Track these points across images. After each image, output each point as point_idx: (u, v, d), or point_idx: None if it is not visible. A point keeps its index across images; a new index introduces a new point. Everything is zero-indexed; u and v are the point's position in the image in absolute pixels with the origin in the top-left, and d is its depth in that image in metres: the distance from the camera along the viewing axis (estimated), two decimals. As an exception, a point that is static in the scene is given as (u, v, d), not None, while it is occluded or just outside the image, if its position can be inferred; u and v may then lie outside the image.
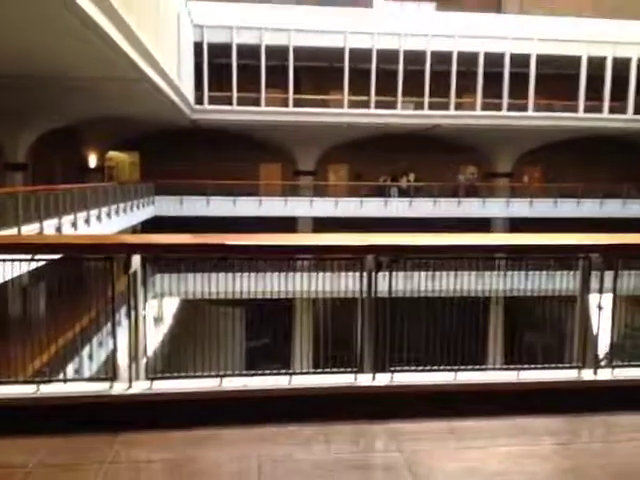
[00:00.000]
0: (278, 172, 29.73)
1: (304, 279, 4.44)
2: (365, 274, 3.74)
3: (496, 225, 28.62)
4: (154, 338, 4.31)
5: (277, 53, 25.33)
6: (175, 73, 19.16)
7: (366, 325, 3.78)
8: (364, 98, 25.92)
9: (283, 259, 4.43)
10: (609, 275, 3.90)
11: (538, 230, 5.71)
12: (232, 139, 27.28)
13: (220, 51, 24.83)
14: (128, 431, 3.30)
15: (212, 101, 25.07)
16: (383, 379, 3.73)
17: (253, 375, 3.78)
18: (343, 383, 3.71)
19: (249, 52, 25.08)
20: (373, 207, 27.17)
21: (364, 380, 3.71)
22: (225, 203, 26.02)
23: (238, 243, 3.77)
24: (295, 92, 25.96)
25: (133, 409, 3.50)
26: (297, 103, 25.89)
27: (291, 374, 3.68)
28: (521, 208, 27.66)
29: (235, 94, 25.06)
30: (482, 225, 26.77)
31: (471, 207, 27.76)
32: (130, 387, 3.53)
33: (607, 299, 3.97)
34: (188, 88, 22.93)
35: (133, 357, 3.55)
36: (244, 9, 24.79)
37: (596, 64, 26.29)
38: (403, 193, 28.31)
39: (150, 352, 3.70)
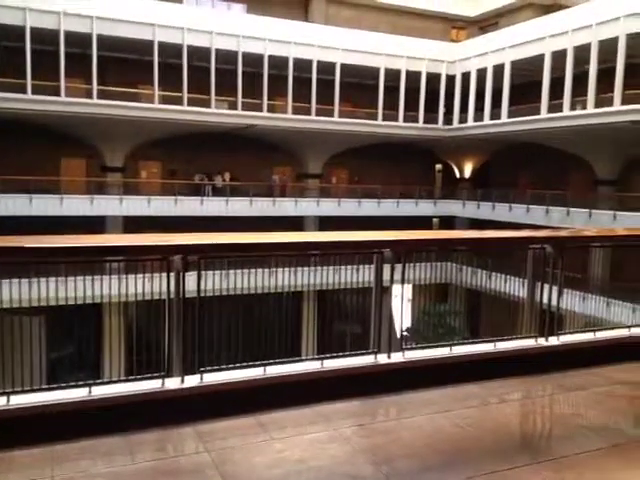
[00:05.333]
0: (82, 168, 27.56)
1: (113, 282, 4.21)
2: (172, 275, 3.65)
3: (308, 223, 29.91)
4: None
5: (80, 41, 23.52)
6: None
7: (174, 327, 3.70)
8: (177, 94, 25.27)
9: (88, 262, 4.13)
10: (408, 268, 4.33)
11: (345, 228, 6.10)
12: (28, 131, 24.65)
13: (12, 34, 22.33)
14: None
15: (1, 88, 22.42)
16: (192, 381, 3.68)
17: (48, 389, 3.48)
18: (150, 389, 3.58)
19: (48, 38, 22.93)
20: (189, 206, 26.61)
21: (172, 384, 3.62)
22: (19, 201, 23.42)
23: (38, 245, 3.43)
24: (102, 84, 24.37)
25: None
26: (103, 95, 24.32)
27: (90, 384, 3.45)
28: (330, 207, 29.28)
29: (30, 81, 22.70)
30: (296, 223, 27.79)
31: (285, 206, 28.65)
32: None
33: (400, 289, 4.39)
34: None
35: None
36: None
37: (393, 76, 28.88)
38: (218, 192, 28.19)
39: None
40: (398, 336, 4.51)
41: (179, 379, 3.66)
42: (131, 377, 3.68)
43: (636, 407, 4.34)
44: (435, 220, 32.62)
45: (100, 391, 3.49)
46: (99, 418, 3.41)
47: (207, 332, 4.08)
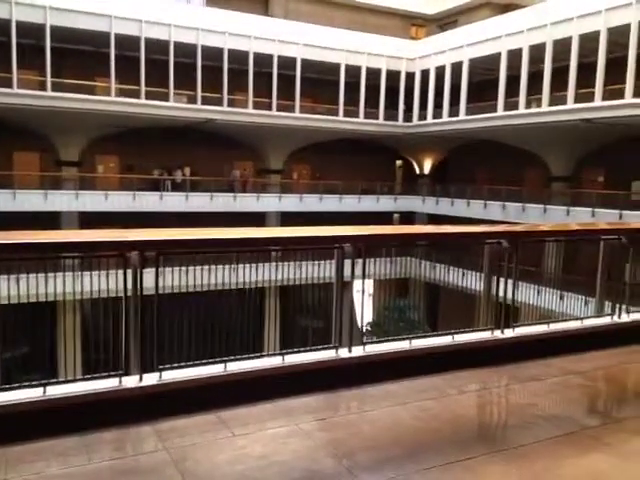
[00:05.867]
0: (36, 162, 26.74)
1: (69, 279, 4.09)
2: (130, 271, 3.58)
3: (270, 219, 29.80)
4: None
5: (33, 32, 22.80)
6: None
7: (132, 325, 3.63)
8: (134, 87, 24.77)
9: (42, 259, 4.00)
10: (369, 263, 4.37)
11: (307, 224, 6.09)
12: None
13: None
14: None
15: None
16: (151, 379, 3.62)
17: (1, 390, 3.36)
18: (107, 388, 3.50)
19: (-2, 27, 22.15)
20: (148, 201, 26.15)
21: (130, 382, 3.56)
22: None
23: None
24: (57, 76, 23.69)
25: None
26: (58, 87, 23.62)
27: (45, 384, 3.35)
28: (292, 203, 29.24)
29: (-22, 73, 21.92)
30: (258, 219, 27.66)
31: (247, 202, 28.46)
32: None
33: (362, 284, 4.42)
34: None
35: None
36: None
37: (354, 72, 28.99)
38: (178, 187, 27.79)
39: None
40: (357, 330, 4.54)
41: (137, 377, 3.59)
42: (87, 376, 3.59)
43: (589, 396, 4.50)
44: (396, 216, 32.98)
45: (56, 391, 3.40)
46: (55, 418, 3.32)
47: (168, 329, 4.02)
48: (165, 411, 3.52)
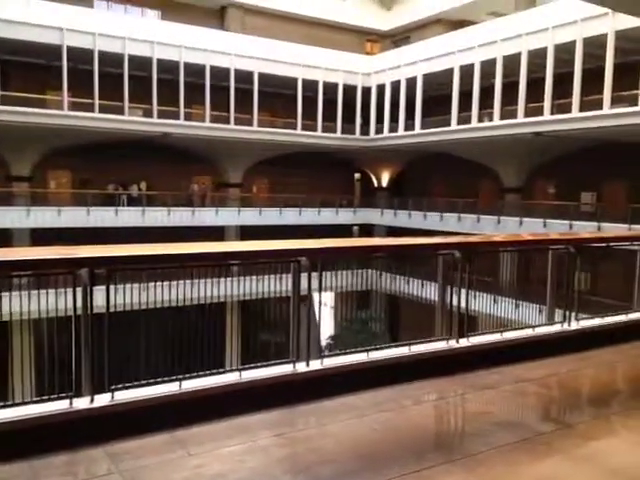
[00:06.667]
0: (-16, 178, 25.87)
1: (19, 299, 3.95)
2: (79, 289, 3.48)
3: (229, 233, 29.55)
4: None
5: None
6: None
7: (83, 344, 3.53)
8: (88, 101, 24.31)
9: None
10: (330, 276, 4.38)
11: (267, 237, 6.07)
12: None
13: None
14: None
15: None
16: (102, 400, 3.52)
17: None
18: (56, 410, 3.39)
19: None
20: (103, 217, 25.55)
21: (81, 404, 3.45)
22: None
23: None
24: (4, 89, 23.02)
25: None
26: (7, 101, 22.97)
27: (-9, 409, 3.23)
28: (251, 216, 29.08)
29: None
30: (217, 233, 27.37)
31: (205, 216, 28.15)
32: None
33: (319, 297, 4.42)
34: None
35: None
36: None
37: (311, 86, 29.21)
38: (135, 202, 27.28)
39: None
40: (315, 344, 4.53)
41: (88, 398, 3.49)
42: (36, 398, 3.47)
43: (542, 403, 4.60)
44: (355, 228, 33.18)
45: (1, 415, 3.26)
46: (0, 444, 3.18)
47: (123, 348, 3.92)
48: (118, 433, 3.42)
